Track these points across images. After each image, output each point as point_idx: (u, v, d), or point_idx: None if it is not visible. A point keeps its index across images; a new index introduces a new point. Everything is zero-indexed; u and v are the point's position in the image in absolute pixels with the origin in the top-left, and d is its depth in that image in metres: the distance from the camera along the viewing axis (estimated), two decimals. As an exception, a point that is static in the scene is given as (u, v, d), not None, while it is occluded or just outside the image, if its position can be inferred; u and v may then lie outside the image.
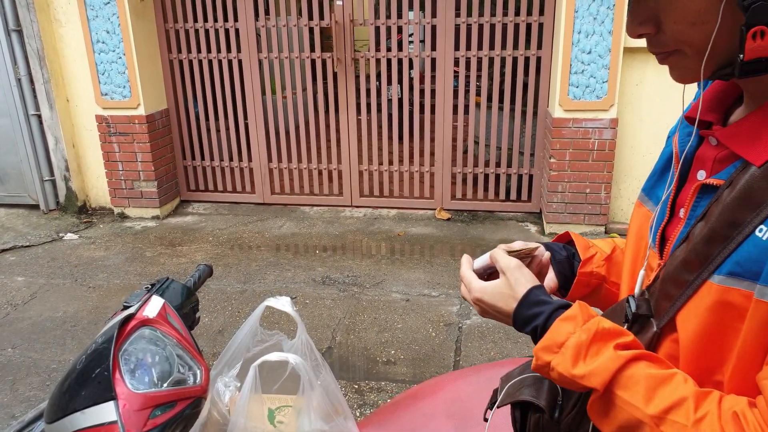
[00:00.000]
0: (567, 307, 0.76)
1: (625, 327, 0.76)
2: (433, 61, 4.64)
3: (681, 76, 0.72)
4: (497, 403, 0.93)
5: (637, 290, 0.80)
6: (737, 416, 0.61)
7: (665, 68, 0.73)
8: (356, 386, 2.75)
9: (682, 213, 0.75)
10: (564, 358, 0.71)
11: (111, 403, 0.94)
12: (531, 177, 4.70)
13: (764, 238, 0.62)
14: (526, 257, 0.93)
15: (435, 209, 4.90)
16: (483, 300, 0.83)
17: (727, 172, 0.70)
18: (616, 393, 0.68)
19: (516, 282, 0.80)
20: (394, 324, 3.25)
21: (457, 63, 4.61)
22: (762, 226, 0.62)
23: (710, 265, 0.66)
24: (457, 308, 3.40)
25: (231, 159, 5.16)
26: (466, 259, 0.90)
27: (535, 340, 0.76)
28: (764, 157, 0.65)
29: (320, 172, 5.10)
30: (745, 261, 0.63)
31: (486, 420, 0.94)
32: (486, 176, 4.85)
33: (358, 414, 2.56)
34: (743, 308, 0.63)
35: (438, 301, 3.49)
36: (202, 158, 5.18)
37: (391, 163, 4.96)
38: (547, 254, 0.96)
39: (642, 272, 0.80)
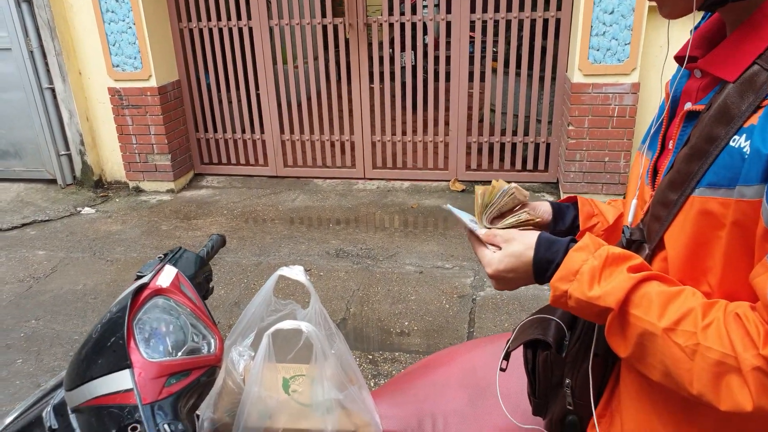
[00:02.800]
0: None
1: None
2: (448, 25, 4.54)
3: (671, 12, 0.77)
4: (509, 344, 0.96)
5: (630, 219, 0.86)
6: (738, 317, 0.66)
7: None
8: (370, 357, 2.76)
9: (671, 145, 0.81)
10: (580, 283, 0.76)
11: (126, 371, 0.95)
12: (548, 145, 4.63)
13: (736, 146, 0.67)
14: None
15: (449, 181, 4.86)
16: (500, 269, 0.85)
17: (709, 97, 0.75)
18: (631, 312, 0.72)
19: (525, 237, 0.85)
20: (407, 296, 3.25)
21: (473, 27, 4.50)
22: (735, 136, 0.68)
23: (692, 182, 0.72)
24: (471, 280, 3.39)
25: (243, 131, 5.14)
26: (473, 238, 0.94)
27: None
28: (737, 72, 0.71)
29: (332, 144, 5.07)
30: (720, 170, 0.69)
31: (503, 370, 0.96)
32: (502, 145, 4.78)
33: (372, 384, 2.58)
34: (722, 216, 0.68)
35: (452, 273, 3.48)
36: (215, 131, 5.16)
37: (404, 133, 4.91)
38: (548, 213, 1.03)
39: (634, 202, 0.86)
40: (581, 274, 0.75)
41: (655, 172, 0.83)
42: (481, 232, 0.91)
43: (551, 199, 4.45)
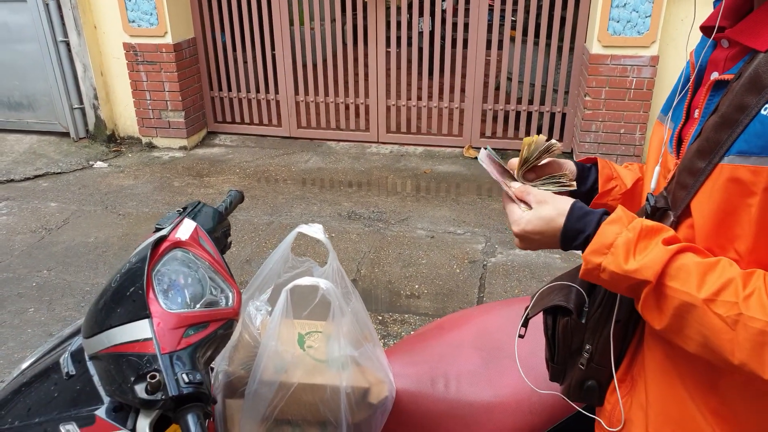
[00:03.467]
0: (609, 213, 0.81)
1: None
2: (468, -9, 4.45)
3: None
4: (528, 311, 0.96)
5: (652, 185, 0.86)
6: None
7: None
8: (380, 317, 2.79)
9: (696, 113, 0.80)
10: (615, 257, 0.75)
11: (146, 321, 0.95)
12: (564, 115, 4.57)
13: None
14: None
15: (463, 147, 4.82)
16: (527, 230, 0.85)
17: (737, 67, 0.75)
18: (668, 284, 0.72)
19: (558, 202, 0.84)
20: (418, 260, 3.26)
21: (492, -6, 4.41)
22: (767, 105, 0.67)
23: (720, 150, 0.71)
24: (482, 246, 3.39)
25: (258, 91, 5.09)
26: (506, 197, 0.91)
27: (584, 249, 0.80)
28: None
29: (347, 107, 5.02)
30: (752, 138, 0.68)
31: (521, 336, 0.96)
32: (517, 114, 4.72)
33: (381, 344, 2.60)
34: (752, 183, 0.68)
35: (463, 238, 3.48)
36: (229, 89, 5.12)
37: (419, 98, 4.85)
38: (573, 174, 1.01)
39: (657, 169, 0.85)
40: (616, 247, 0.75)
41: (679, 140, 0.82)
42: (515, 185, 0.90)
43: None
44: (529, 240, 0.86)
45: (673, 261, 0.72)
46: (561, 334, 0.92)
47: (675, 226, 0.79)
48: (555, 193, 0.90)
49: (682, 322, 0.71)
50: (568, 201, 0.83)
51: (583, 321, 0.89)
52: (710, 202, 0.73)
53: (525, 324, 0.98)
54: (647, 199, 0.83)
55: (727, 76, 0.75)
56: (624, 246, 0.75)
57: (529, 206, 0.86)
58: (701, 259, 0.72)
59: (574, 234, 0.81)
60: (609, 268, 0.75)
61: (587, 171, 1.05)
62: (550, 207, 0.83)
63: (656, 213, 0.81)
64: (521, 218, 0.85)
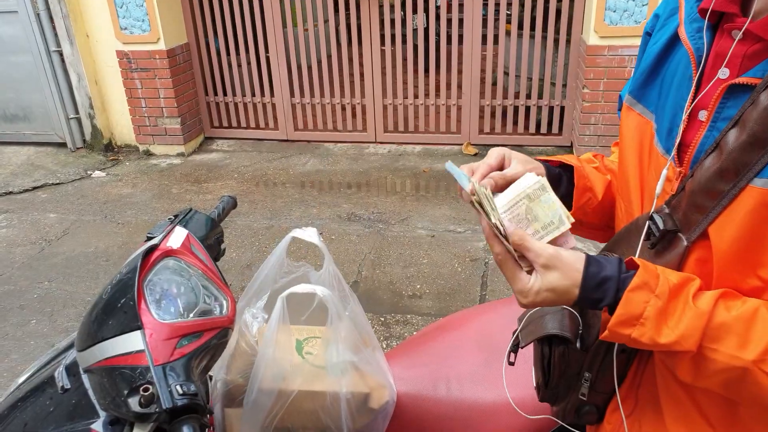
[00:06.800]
0: (625, 267, 0.70)
1: (649, 246, 0.73)
2: (461, -13, 4.42)
3: None
4: (520, 340, 0.89)
5: (658, 192, 0.74)
6: None
7: None
8: (382, 319, 2.77)
9: (703, 116, 0.69)
10: (647, 328, 0.66)
11: (137, 333, 0.93)
12: (562, 109, 4.54)
13: None
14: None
15: (462, 144, 4.79)
16: (536, 302, 0.72)
17: (762, 69, 0.63)
18: (708, 346, 0.65)
19: (568, 268, 0.69)
20: (419, 259, 3.24)
21: (486, -11, 4.39)
22: None
23: (749, 172, 0.62)
24: (483, 244, 3.36)
25: (253, 94, 5.07)
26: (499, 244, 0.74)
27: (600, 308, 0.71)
28: None
29: (343, 107, 4.99)
30: None
31: (511, 364, 0.90)
32: (515, 109, 4.70)
33: (384, 346, 2.58)
34: None
35: (464, 237, 3.45)
36: (225, 94, 5.10)
37: (416, 96, 4.82)
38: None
39: (660, 186, 0.73)
40: (646, 319, 0.66)
41: (679, 145, 0.72)
42: (508, 228, 0.73)
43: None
44: (536, 306, 0.74)
45: (711, 322, 0.65)
46: (557, 362, 0.85)
47: (688, 249, 0.70)
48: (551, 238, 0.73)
49: (728, 383, 0.66)
50: (579, 264, 0.69)
51: (579, 347, 0.82)
52: (734, 226, 0.65)
53: (515, 350, 0.90)
54: (652, 219, 0.72)
55: (749, 80, 0.64)
56: (655, 317, 0.66)
57: (529, 264, 0.72)
58: (737, 310, 0.64)
59: (592, 304, 0.70)
60: (641, 340, 0.67)
61: (558, 179, 0.90)
62: (559, 275, 0.69)
63: (665, 236, 0.71)
64: (529, 290, 0.71)
